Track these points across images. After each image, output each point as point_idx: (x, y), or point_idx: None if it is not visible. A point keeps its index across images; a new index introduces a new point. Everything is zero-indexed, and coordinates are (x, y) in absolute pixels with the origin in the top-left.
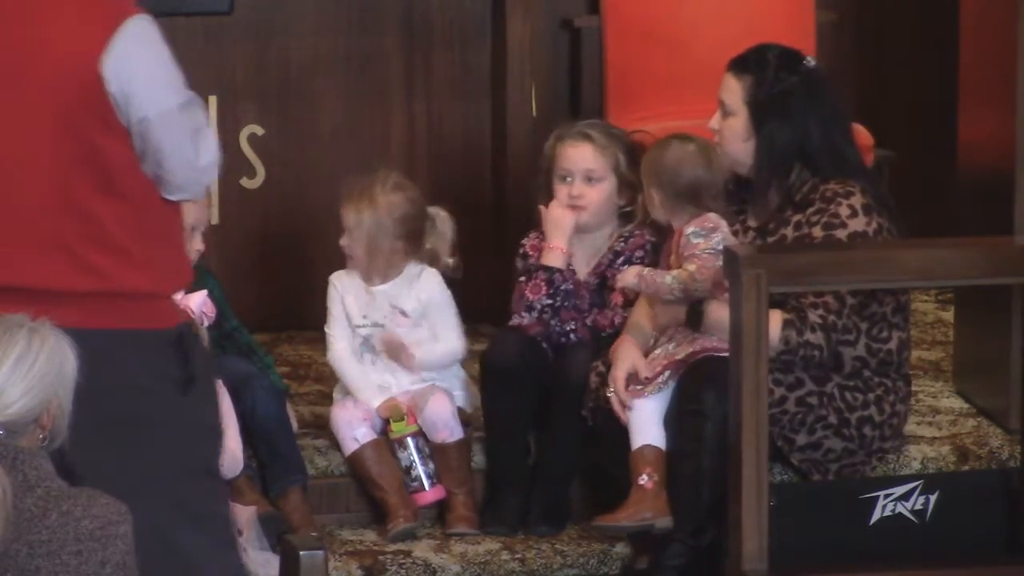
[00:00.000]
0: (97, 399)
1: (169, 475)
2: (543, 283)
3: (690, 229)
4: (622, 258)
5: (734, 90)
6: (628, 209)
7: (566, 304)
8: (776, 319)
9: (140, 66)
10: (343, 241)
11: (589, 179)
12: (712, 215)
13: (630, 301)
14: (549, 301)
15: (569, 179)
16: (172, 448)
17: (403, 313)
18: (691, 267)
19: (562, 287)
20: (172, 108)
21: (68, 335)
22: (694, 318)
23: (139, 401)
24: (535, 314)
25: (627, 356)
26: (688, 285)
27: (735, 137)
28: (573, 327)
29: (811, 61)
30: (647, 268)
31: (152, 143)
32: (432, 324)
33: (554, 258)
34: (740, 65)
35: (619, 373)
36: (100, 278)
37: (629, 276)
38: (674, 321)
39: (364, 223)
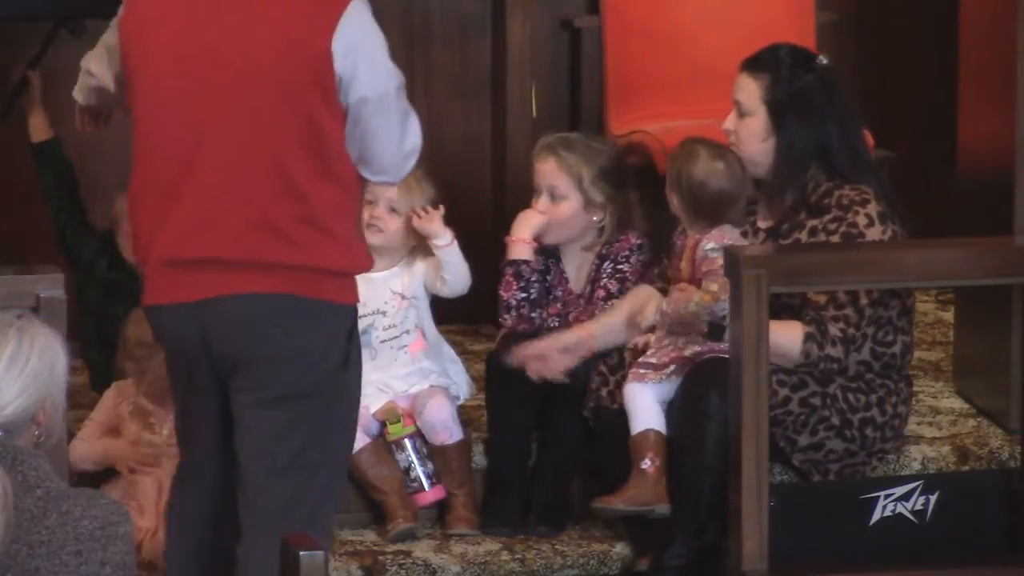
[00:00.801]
0: (281, 367)
1: (314, 452)
2: (512, 278)
3: (709, 245)
4: (608, 262)
5: (751, 90)
6: (601, 225)
7: (551, 297)
8: (796, 332)
9: (364, 46)
10: (377, 212)
11: (552, 195)
12: (728, 227)
13: (612, 295)
14: (523, 295)
15: (539, 192)
16: (325, 423)
17: (402, 296)
18: (713, 287)
19: (532, 279)
20: (390, 90)
21: (263, 300)
22: (716, 331)
23: (314, 372)
24: (514, 312)
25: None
26: (715, 307)
27: (753, 137)
28: (557, 324)
29: (823, 59)
30: (664, 300)
31: (365, 124)
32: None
33: (517, 251)
34: (755, 64)
35: (547, 342)
36: (303, 253)
37: (649, 313)
38: (693, 333)
39: (413, 199)
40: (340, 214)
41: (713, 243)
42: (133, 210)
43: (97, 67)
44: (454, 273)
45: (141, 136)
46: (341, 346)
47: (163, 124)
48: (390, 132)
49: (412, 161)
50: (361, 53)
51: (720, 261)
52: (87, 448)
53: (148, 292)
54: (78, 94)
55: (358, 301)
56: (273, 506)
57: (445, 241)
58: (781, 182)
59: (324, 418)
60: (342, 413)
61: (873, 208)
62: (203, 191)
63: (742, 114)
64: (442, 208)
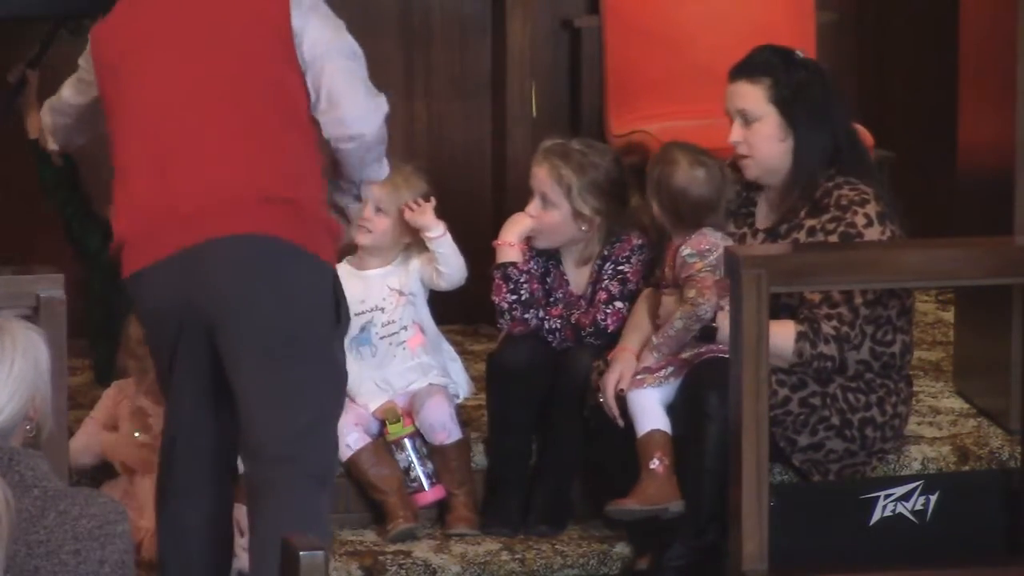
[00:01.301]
0: (264, 313)
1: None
2: (501, 282)
3: (686, 251)
4: (609, 263)
5: (754, 95)
6: (589, 235)
7: (552, 299)
8: (789, 331)
9: (317, 9)
10: (367, 214)
11: (544, 201)
12: (707, 231)
13: (613, 297)
14: (514, 297)
15: (533, 195)
16: (318, 387)
17: (400, 293)
18: (691, 293)
19: (522, 280)
20: (346, 50)
21: (243, 241)
22: (706, 332)
23: (299, 326)
24: (508, 315)
25: (620, 364)
26: (697, 312)
27: (769, 141)
28: (558, 326)
29: (801, 53)
30: (654, 336)
31: (327, 80)
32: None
33: (503, 254)
34: (750, 69)
35: (611, 377)
36: (284, 186)
37: (647, 361)
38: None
39: (401, 196)
40: (312, 166)
41: (690, 248)
42: (116, 203)
43: (71, 98)
44: (449, 264)
45: (123, 137)
46: (327, 308)
47: (146, 119)
48: (354, 90)
49: (382, 114)
50: (314, 12)
51: (698, 266)
52: (85, 441)
53: (126, 263)
54: (52, 142)
55: (336, 266)
56: (273, 469)
57: (437, 232)
58: (802, 177)
59: (316, 382)
60: (334, 382)
61: (872, 208)
62: (181, 160)
63: (749, 121)
64: (433, 200)
